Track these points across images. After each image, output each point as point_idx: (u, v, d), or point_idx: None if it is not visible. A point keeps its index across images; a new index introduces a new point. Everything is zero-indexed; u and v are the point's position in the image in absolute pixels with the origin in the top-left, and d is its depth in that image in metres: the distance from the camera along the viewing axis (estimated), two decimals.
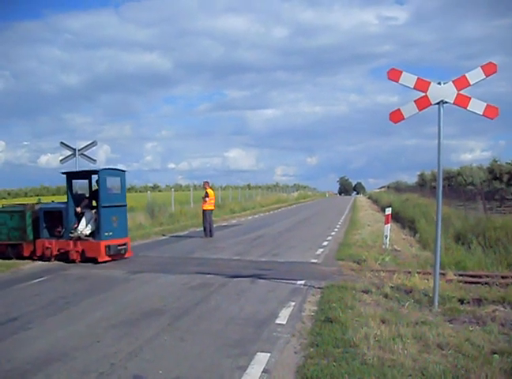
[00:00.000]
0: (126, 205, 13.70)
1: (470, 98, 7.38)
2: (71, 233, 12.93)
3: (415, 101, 7.73)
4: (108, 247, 12.57)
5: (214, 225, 19.88)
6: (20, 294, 9.29)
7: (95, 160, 19.30)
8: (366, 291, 8.53)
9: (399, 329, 6.24)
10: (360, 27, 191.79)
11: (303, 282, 9.70)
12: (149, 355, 5.67)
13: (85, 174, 14.10)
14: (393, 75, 7.87)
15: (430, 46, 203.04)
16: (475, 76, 7.37)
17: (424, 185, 43.83)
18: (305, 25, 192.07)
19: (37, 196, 44.84)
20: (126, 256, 13.27)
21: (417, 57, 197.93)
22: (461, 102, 7.42)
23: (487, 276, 9.54)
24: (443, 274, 9.44)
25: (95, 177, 13.50)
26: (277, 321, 6.97)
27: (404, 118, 7.83)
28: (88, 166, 19.04)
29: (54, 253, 13.01)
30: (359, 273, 10.41)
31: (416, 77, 7.72)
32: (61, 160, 19.03)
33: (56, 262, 12.78)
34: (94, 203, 13.39)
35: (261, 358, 5.47)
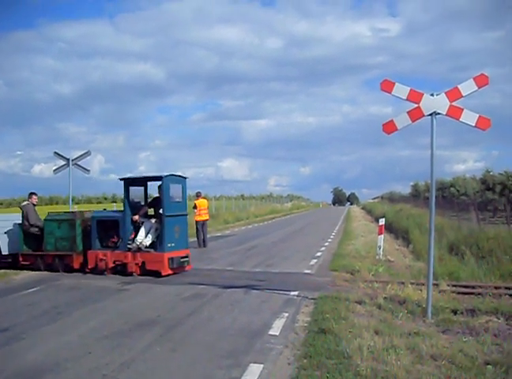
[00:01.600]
0: (187, 215, 13.08)
1: (462, 109, 7.44)
2: (129, 244, 12.12)
3: (408, 112, 7.77)
4: (171, 259, 11.75)
5: (208, 235, 19.88)
6: (13, 305, 9.23)
7: (88, 170, 19.29)
8: (359, 302, 8.53)
9: (392, 340, 6.24)
10: (353, 38, 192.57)
11: (296, 292, 9.68)
12: (141, 367, 5.64)
13: (143, 181, 13.23)
14: (386, 86, 7.92)
15: (422, 57, 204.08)
16: (467, 87, 7.44)
17: (418, 196, 44.03)
18: (298, 36, 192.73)
19: None
20: (186, 269, 12.53)
21: (410, 68, 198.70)
22: (454, 113, 7.47)
23: (481, 287, 9.56)
24: (436, 285, 9.46)
25: (151, 184, 13.11)
26: (270, 332, 6.94)
27: (397, 129, 7.87)
28: (83, 176, 19.06)
29: (110, 265, 12.19)
30: (353, 284, 10.41)
31: (409, 89, 7.77)
32: (54, 170, 18.99)
33: (47, 272, 12.67)
34: (149, 211, 12.84)
35: (254, 370, 5.44)
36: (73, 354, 6.12)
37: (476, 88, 7.40)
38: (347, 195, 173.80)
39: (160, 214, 12.10)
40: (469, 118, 7.41)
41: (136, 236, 12.14)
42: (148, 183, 13.28)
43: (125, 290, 10.36)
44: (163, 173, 12.13)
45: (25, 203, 13.74)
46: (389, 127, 7.94)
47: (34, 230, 13.29)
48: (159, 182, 12.28)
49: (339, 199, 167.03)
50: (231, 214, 38.88)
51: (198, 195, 20.23)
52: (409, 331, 6.76)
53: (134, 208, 12.52)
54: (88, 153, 19.05)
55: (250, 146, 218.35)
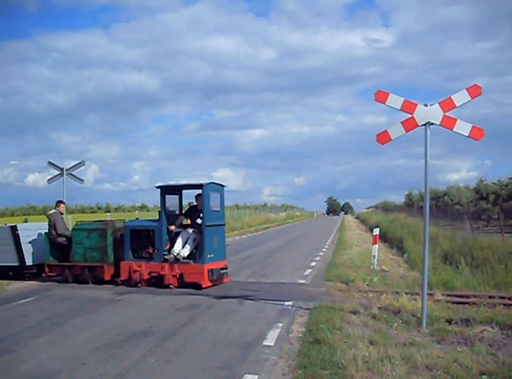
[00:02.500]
0: (225, 224, 12.58)
1: (456, 119, 7.47)
2: (165, 254, 11.66)
3: (402, 122, 7.80)
4: (211, 271, 11.27)
5: None
6: (5, 315, 9.17)
7: (82, 180, 19.25)
8: (354, 312, 8.51)
9: (387, 350, 6.22)
10: (347, 49, 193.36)
11: (291, 303, 9.66)
12: (135, 378, 5.60)
13: (178, 189, 12.75)
14: (380, 97, 7.94)
15: (416, 67, 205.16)
16: (460, 98, 7.48)
17: (412, 205, 44.07)
18: (292, 47, 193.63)
19: (24, 215, 44.45)
20: (224, 280, 12.05)
21: (404, 78, 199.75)
22: (447, 123, 7.51)
23: (475, 296, 9.56)
24: (431, 294, 9.45)
25: (185, 192, 12.76)
26: (265, 343, 6.91)
27: (391, 140, 7.90)
28: (77, 186, 19.01)
29: (145, 277, 11.74)
30: (348, 294, 10.39)
31: (403, 99, 7.80)
32: (48, 180, 18.94)
33: (39, 282, 12.61)
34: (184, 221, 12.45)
35: None
36: (66, 365, 6.07)
37: (470, 98, 7.44)
38: (341, 205, 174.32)
39: (197, 223, 11.77)
40: (463, 128, 7.45)
41: (172, 246, 11.74)
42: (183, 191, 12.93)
43: (118, 300, 10.30)
44: (204, 180, 11.82)
45: (52, 211, 13.25)
46: (383, 137, 7.96)
47: (61, 239, 12.86)
48: (195, 191, 12.07)
49: (333, 209, 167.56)
50: (226, 224, 38.74)
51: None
52: (404, 341, 6.74)
53: (169, 217, 12.07)
54: (82, 163, 19.02)
55: (245, 156, 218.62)
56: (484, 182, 42.06)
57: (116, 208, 77.79)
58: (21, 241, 12.95)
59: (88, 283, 12.24)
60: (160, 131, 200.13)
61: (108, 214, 37.24)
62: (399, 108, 7.82)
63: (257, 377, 5.54)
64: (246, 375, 5.59)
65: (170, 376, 5.68)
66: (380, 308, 8.74)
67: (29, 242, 13.12)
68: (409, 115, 7.73)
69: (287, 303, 9.62)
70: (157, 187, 12.07)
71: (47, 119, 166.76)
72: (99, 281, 12.22)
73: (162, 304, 9.86)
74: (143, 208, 73.48)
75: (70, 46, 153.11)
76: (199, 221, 11.73)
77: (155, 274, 11.69)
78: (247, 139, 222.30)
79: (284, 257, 18.76)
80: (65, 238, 12.87)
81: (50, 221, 12.96)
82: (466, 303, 9.21)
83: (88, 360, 6.26)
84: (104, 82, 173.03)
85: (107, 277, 12.16)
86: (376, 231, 16.03)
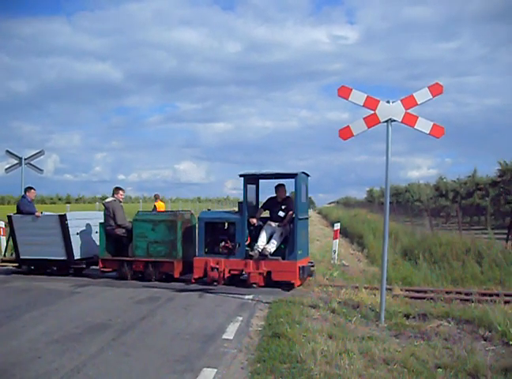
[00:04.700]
0: (309, 218, 11.63)
1: (417, 117, 7.56)
2: (249, 250, 10.70)
3: (364, 118, 7.85)
4: (302, 268, 10.33)
5: None
6: None
7: (42, 170, 18.88)
8: (313, 306, 8.56)
9: (346, 344, 6.27)
10: (312, 45, 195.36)
11: (251, 296, 9.66)
12: (92, 371, 5.51)
13: (259, 178, 11.77)
14: (343, 92, 7.98)
15: (379, 65, 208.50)
16: (422, 96, 7.56)
17: (373, 201, 44.73)
18: (258, 41, 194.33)
19: None
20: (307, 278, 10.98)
21: (367, 76, 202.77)
22: (409, 121, 7.59)
23: (433, 292, 9.74)
24: (390, 289, 9.59)
25: (264, 182, 11.83)
26: (224, 336, 6.89)
27: (353, 135, 7.94)
28: (36, 176, 18.61)
29: (227, 274, 10.69)
30: (308, 288, 10.44)
31: (366, 95, 7.84)
32: (6, 169, 18.50)
33: None
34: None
35: (208, 374, 5.39)
36: (21, 359, 5.94)
37: (431, 96, 7.53)
38: None
39: (280, 217, 10.97)
40: (424, 125, 7.54)
41: (253, 241, 10.86)
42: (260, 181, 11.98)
43: (77, 292, 10.15)
44: (282, 170, 11.04)
45: (111, 199, 11.98)
46: (346, 133, 8.00)
47: (120, 231, 11.67)
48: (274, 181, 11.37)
49: None
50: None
51: (157, 197, 20.06)
52: (362, 335, 6.81)
53: (247, 209, 10.98)
54: (41, 152, 18.62)
55: (208, 149, 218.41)
56: (444, 180, 43.00)
57: (77, 199, 76.84)
58: (70, 232, 11.90)
59: (150, 280, 11.28)
60: (122, 122, 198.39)
61: (68, 205, 36.61)
62: (362, 104, 7.86)
63: (215, 370, 5.52)
64: (204, 368, 5.56)
65: (128, 369, 5.61)
66: (339, 302, 8.80)
67: (77, 234, 12.07)
68: (371, 111, 7.79)
69: (247, 297, 9.62)
70: (241, 175, 10.97)
71: (6, 107, 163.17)
72: (164, 279, 11.34)
73: (121, 296, 9.74)
74: (104, 199, 72.86)
75: (32, 33, 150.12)
76: (281, 214, 11.01)
77: (235, 272, 10.81)
78: (211, 132, 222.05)
79: None
80: (124, 230, 11.71)
81: (107, 210, 11.76)
82: (424, 298, 9.35)
83: (45, 353, 6.14)
84: (67, 71, 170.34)
85: (176, 274, 11.19)
86: (337, 226, 16.15)
